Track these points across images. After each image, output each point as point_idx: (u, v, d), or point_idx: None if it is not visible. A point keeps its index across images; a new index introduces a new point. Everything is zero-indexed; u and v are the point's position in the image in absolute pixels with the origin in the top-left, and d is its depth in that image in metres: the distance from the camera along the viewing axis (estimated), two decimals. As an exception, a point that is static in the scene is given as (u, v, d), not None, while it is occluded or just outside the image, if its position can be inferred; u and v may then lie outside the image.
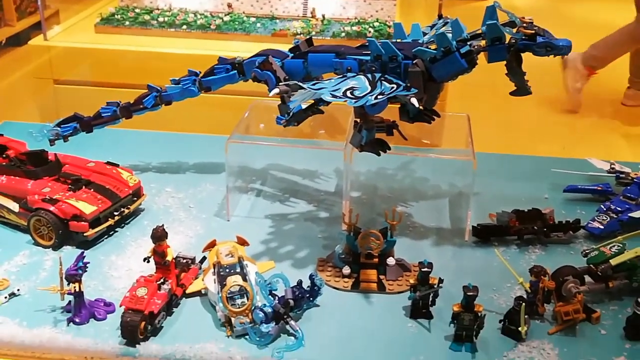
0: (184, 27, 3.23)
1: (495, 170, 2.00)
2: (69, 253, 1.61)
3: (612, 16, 6.99)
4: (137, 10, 3.37)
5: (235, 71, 1.81)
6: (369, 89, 1.50)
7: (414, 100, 1.50)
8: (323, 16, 3.34)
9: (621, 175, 1.92)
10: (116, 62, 3.07)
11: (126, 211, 1.72)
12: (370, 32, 3.20)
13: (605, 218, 1.73)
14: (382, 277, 1.55)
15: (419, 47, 1.56)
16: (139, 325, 1.35)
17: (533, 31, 1.49)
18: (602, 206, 1.78)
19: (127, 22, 3.28)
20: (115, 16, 3.32)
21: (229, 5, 3.41)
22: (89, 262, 1.42)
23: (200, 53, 3.00)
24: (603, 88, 5.05)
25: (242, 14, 3.37)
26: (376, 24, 3.28)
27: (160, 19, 3.28)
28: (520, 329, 1.38)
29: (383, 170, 2.02)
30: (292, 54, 1.74)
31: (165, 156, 2.08)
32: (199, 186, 1.93)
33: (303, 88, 1.52)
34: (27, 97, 3.23)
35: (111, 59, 3.07)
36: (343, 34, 3.16)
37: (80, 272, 1.39)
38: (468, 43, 1.54)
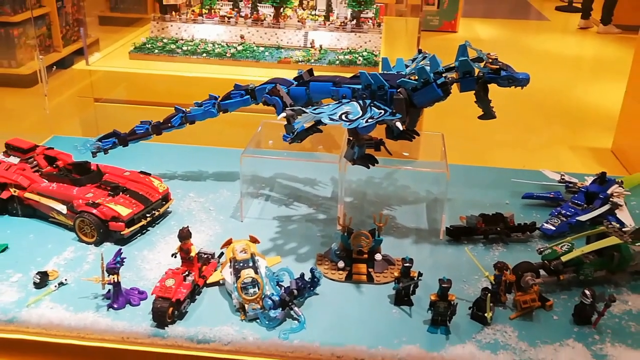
0: (204, 54, 3.26)
1: (465, 180, 2.01)
2: (109, 249, 1.61)
3: (565, 48, 7.08)
4: (164, 40, 3.40)
5: (249, 96, 1.82)
6: (361, 113, 1.52)
7: (398, 124, 1.51)
8: (320, 46, 3.37)
9: (570, 185, 1.93)
10: (147, 84, 3.09)
11: (156, 213, 1.72)
12: (360, 60, 3.22)
13: (556, 221, 1.74)
14: (370, 270, 1.55)
15: (403, 79, 1.57)
16: (167, 311, 1.35)
17: (498, 66, 1.50)
18: (554, 211, 1.79)
19: (156, 50, 3.30)
20: (146, 45, 3.34)
21: (242, 37, 3.43)
22: (125, 257, 1.42)
23: (218, 77, 3.03)
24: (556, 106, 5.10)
25: (253, 44, 3.39)
26: (365, 53, 3.31)
27: (184, 48, 3.30)
28: (486, 314, 1.39)
29: (372, 179, 2.02)
30: (297, 82, 1.74)
31: (189, 166, 2.08)
32: (217, 192, 1.93)
33: (306, 112, 1.53)
34: (72, 114, 3.23)
35: (143, 82, 3.09)
36: (337, 62, 3.19)
37: (118, 265, 1.40)
38: (443, 75, 1.55)
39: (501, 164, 2.70)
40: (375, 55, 3.27)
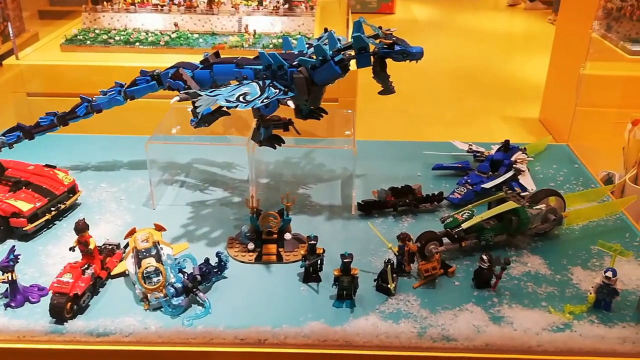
0: (137, 44, 3.12)
1: (379, 155, 1.96)
2: (13, 244, 1.48)
3: (495, 24, 7.12)
4: (97, 31, 3.25)
5: (155, 82, 1.70)
6: (259, 93, 1.43)
7: (290, 102, 1.43)
8: (254, 31, 3.27)
9: (477, 154, 1.90)
10: (79, 76, 2.92)
11: (62, 206, 1.61)
12: (294, 43, 3.12)
13: (463, 190, 1.71)
14: (280, 250, 1.49)
15: (302, 57, 1.48)
16: (65, 306, 1.25)
17: (391, 41, 1.43)
18: (461, 180, 1.76)
19: (88, 42, 3.15)
20: (78, 37, 3.19)
21: (176, 25, 3.30)
22: (20, 254, 1.31)
23: (151, 65, 2.88)
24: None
25: (187, 31, 3.27)
26: (298, 36, 3.20)
27: (117, 38, 3.16)
28: (389, 285, 1.35)
29: (289, 160, 1.95)
30: (202, 65, 1.64)
31: (101, 156, 1.95)
32: (130, 181, 1.82)
33: (202, 96, 1.43)
34: (5, 109, 3.05)
35: (75, 74, 2.91)
36: (271, 45, 3.11)
37: (11, 263, 1.29)
38: (342, 52, 1.47)
39: (431, 138, 2.66)
40: (309, 38, 3.18)
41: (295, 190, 1.77)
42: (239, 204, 1.71)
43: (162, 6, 3.34)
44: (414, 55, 1.44)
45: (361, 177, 1.79)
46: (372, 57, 1.45)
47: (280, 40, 3.16)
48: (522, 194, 1.59)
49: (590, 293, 1.33)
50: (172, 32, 3.24)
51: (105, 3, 3.36)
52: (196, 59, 2.97)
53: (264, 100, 1.39)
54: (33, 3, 5.96)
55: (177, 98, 1.47)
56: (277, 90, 1.43)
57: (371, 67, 1.48)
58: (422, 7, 7.61)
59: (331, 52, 1.47)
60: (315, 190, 1.79)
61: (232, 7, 3.37)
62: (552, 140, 2.09)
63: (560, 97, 4.14)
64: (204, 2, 3.36)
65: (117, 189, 1.77)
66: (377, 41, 1.45)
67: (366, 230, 1.60)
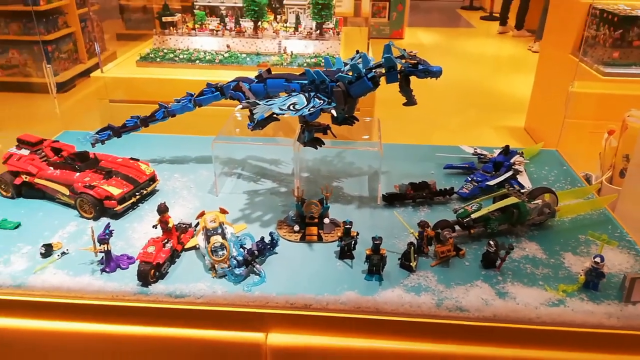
0: (197, 61, 3.13)
1: (399, 156, 1.93)
2: (104, 222, 1.50)
3: (487, 49, 6.97)
4: (165, 51, 3.27)
5: (218, 92, 1.70)
6: (305, 103, 1.41)
7: (333, 111, 1.41)
8: (291, 52, 3.25)
9: (481, 156, 1.85)
10: (151, 87, 2.96)
11: (144, 192, 1.61)
12: (323, 62, 3.11)
13: (470, 186, 1.67)
14: (320, 232, 1.47)
15: (340, 74, 1.46)
16: (149, 272, 1.26)
17: (415, 61, 1.40)
18: (468, 178, 1.72)
19: (158, 59, 3.17)
20: (150, 55, 3.22)
21: (228, 46, 3.31)
22: (113, 229, 1.33)
23: (208, 79, 2.88)
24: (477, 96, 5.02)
25: (237, 51, 3.27)
26: (336, 57, 3.18)
27: (181, 56, 3.18)
28: (411, 264, 1.32)
29: (325, 158, 1.92)
30: (257, 80, 1.63)
31: (175, 152, 1.96)
32: (197, 173, 1.82)
33: (259, 104, 1.42)
34: (92, 113, 3.11)
35: (147, 85, 2.96)
36: (305, 64, 3.09)
37: (107, 237, 1.30)
38: (373, 70, 1.45)
39: (435, 142, 2.61)
40: (336, 59, 3.16)
41: (330, 183, 1.76)
42: (285, 194, 1.70)
43: (217, 31, 3.35)
44: (434, 73, 1.40)
45: (384, 174, 1.76)
46: (399, 74, 1.42)
47: (313, 60, 3.15)
48: (522, 190, 1.54)
49: (581, 275, 1.29)
50: (225, 52, 3.25)
51: (171, 28, 3.38)
52: (245, 74, 2.99)
53: (310, 109, 1.37)
54: (112, 27, 6.03)
55: (241, 106, 1.46)
56: (321, 101, 1.41)
57: (397, 83, 1.45)
58: (427, 34, 7.48)
59: (364, 70, 1.44)
60: (346, 183, 1.77)
61: (273, 32, 3.36)
62: (543, 146, 2.03)
63: (543, 109, 4.04)
64: (250, 28, 3.36)
65: (187, 179, 1.77)
66: (404, 61, 1.42)
67: (390, 218, 1.57)
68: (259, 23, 3.34)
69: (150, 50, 3.28)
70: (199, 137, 2.02)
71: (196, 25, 3.37)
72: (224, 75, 3.02)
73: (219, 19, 3.44)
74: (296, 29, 3.39)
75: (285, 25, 3.49)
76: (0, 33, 4.64)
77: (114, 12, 5.91)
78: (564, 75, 3.63)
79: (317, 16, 3.27)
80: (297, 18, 3.45)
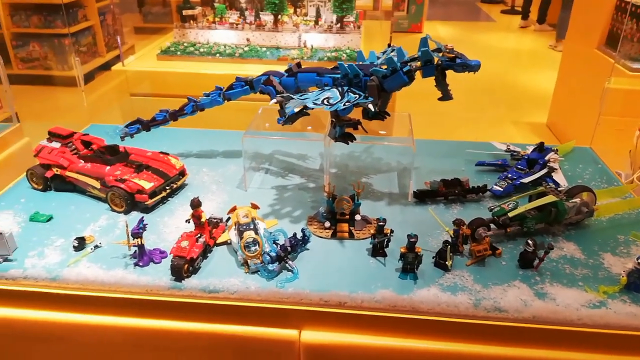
0: (217, 55, 3.13)
1: (428, 152, 1.89)
2: (136, 216, 1.51)
3: (508, 43, 6.85)
4: (185, 44, 3.27)
5: (248, 86, 1.68)
6: (340, 98, 1.39)
7: (370, 106, 1.38)
8: (312, 46, 3.23)
9: (514, 153, 1.81)
10: (171, 80, 2.97)
11: (174, 186, 1.61)
12: (344, 56, 3.08)
13: (503, 183, 1.64)
14: (351, 228, 1.46)
15: (375, 68, 1.43)
16: (183, 267, 1.26)
17: (453, 55, 1.37)
18: (501, 175, 1.68)
19: (178, 52, 3.19)
20: (170, 48, 3.23)
21: (248, 40, 3.29)
22: (147, 224, 1.32)
23: (229, 73, 2.92)
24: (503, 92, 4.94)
25: (257, 45, 3.26)
26: (348, 50, 3.17)
27: (201, 50, 3.18)
28: (447, 262, 1.30)
29: (352, 153, 1.90)
30: (287, 74, 1.61)
31: (201, 146, 1.95)
32: (225, 167, 1.81)
33: (293, 99, 1.40)
34: (113, 106, 3.11)
35: (168, 78, 2.96)
36: (325, 58, 3.07)
37: (141, 231, 1.30)
38: (408, 64, 1.42)
39: (456, 137, 2.58)
40: (356, 52, 3.12)
41: (359, 179, 1.73)
42: (314, 189, 1.68)
43: (237, 25, 3.34)
44: (473, 67, 1.37)
45: (414, 170, 1.73)
46: (436, 68, 1.39)
47: (334, 54, 3.12)
48: (559, 189, 1.50)
49: (623, 276, 1.26)
50: (245, 46, 3.23)
51: (191, 21, 3.38)
52: (264, 68, 2.98)
53: (346, 104, 1.35)
54: (130, 20, 6.05)
55: (275, 100, 1.44)
56: (356, 95, 1.39)
57: (433, 77, 1.42)
58: (446, 27, 7.37)
59: (399, 64, 1.41)
60: (375, 179, 1.75)
61: (293, 25, 3.34)
62: (576, 144, 1.98)
63: (567, 105, 3.96)
64: (270, 21, 3.33)
65: (215, 173, 1.77)
66: (440, 54, 1.39)
67: (421, 215, 1.55)
68: (279, 16, 3.32)
69: (170, 43, 3.27)
70: (226, 131, 2.01)
71: (216, 19, 3.37)
72: (244, 69, 3.01)
73: (238, 12, 3.42)
74: (316, 22, 3.36)
75: (305, 18, 3.46)
76: (21, 26, 4.68)
77: (131, 5, 5.93)
78: (590, 70, 3.55)
79: (339, 9, 3.23)
80: (318, 11, 3.42)
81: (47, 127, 1.73)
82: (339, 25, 3.31)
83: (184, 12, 3.36)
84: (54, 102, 4.37)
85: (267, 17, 3.35)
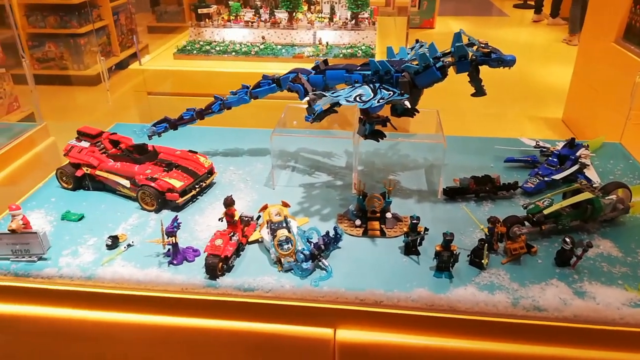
0: (233, 53, 3.12)
1: (455, 148, 1.87)
2: (166, 215, 1.51)
3: (521, 38, 6.78)
4: (201, 43, 3.26)
5: (275, 84, 1.66)
6: (372, 95, 1.37)
7: (407, 103, 1.36)
8: (327, 43, 3.21)
9: (544, 149, 1.78)
10: (189, 79, 2.95)
11: (204, 184, 1.61)
12: (359, 53, 3.06)
13: (535, 180, 1.61)
14: (383, 226, 1.44)
15: (406, 64, 1.41)
16: (218, 265, 1.25)
17: (489, 50, 1.34)
18: (532, 171, 1.65)
19: (195, 51, 3.18)
20: (187, 47, 3.22)
21: (263, 38, 3.27)
22: (181, 222, 1.32)
23: (245, 71, 2.91)
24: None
25: (272, 43, 3.24)
26: (363, 47, 3.14)
27: (217, 48, 3.17)
28: (483, 261, 1.28)
29: (378, 150, 1.88)
30: (315, 71, 1.59)
31: (228, 145, 1.94)
32: (252, 165, 1.80)
33: (325, 96, 1.38)
34: (130, 106, 3.12)
35: (185, 77, 2.95)
36: (341, 55, 3.05)
37: (175, 229, 1.30)
38: (441, 60, 1.39)
39: (471, 133, 2.54)
40: (372, 49, 3.10)
41: (386, 176, 1.72)
42: (342, 187, 1.67)
43: (252, 23, 3.32)
44: (508, 62, 1.34)
45: (443, 167, 1.70)
46: (470, 63, 1.36)
47: (349, 51, 3.10)
48: (593, 185, 1.47)
49: (663, 275, 1.23)
50: (261, 44, 3.22)
51: (207, 20, 3.36)
52: (280, 66, 2.96)
53: (380, 101, 1.33)
54: (144, 20, 6.06)
55: (307, 98, 1.42)
56: (390, 92, 1.36)
57: (467, 72, 1.39)
58: (458, 22, 7.30)
59: (432, 60, 1.39)
60: (403, 177, 1.73)
61: (308, 22, 3.31)
62: (606, 139, 1.94)
63: (584, 100, 3.89)
64: (285, 19, 3.32)
65: (243, 171, 1.76)
66: (475, 48, 1.36)
67: (452, 212, 1.53)
68: (294, 14, 3.30)
69: (187, 42, 3.27)
70: (251, 129, 2.00)
71: (231, 17, 3.35)
72: (261, 68, 3.00)
73: (253, 10, 3.41)
74: (331, 19, 3.34)
75: (319, 15, 3.44)
76: (37, 26, 4.71)
77: (144, 4, 5.94)
78: (608, 64, 3.49)
79: (354, 5, 3.20)
80: (332, 8, 3.39)
81: (69, 127, 1.73)
82: (353, 21, 3.28)
83: (200, 11, 3.35)
84: (72, 101, 4.39)
85: (281, 15, 3.34)
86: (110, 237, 1.38)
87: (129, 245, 1.37)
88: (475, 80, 1.39)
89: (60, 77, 4.78)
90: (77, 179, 1.62)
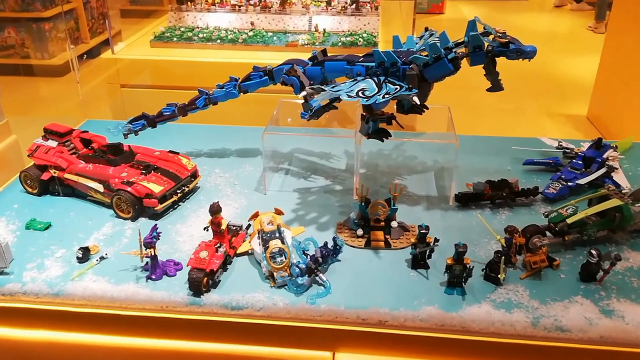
0: (218, 41, 3.14)
1: (467, 149, 1.87)
2: (144, 223, 1.52)
3: (542, 25, 6.85)
4: (182, 29, 3.28)
5: (267, 77, 1.68)
6: (377, 89, 1.39)
7: (415, 99, 1.38)
8: (324, 30, 3.24)
9: (567, 151, 1.80)
10: (168, 70, 2.97)
11: (186, 189, 1.62)
12: (360, 41, 3.08)
13: (557, 185, 1.63)
14: (387, 236, 1.45)
15: (415, 55, 1.43)
16: (203, 281, 1.26)
17: (507, 39, 1.36)
18: (554, 175, 1.68)
19: (174, 38, 3.19)
20: (166, 34, 3.23)
21: (252, 23, 3.30)
22: (161, 232, 1.33)
23: (231, 61, 2.93)
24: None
25: (262, 29, 3.27)
26: (365, 35, 3.17)
27: (200, 35, 3.18)
28: (499, 276, 1.30)
29: (382, 151, 1.90)
30: (312, 62, 1.61)
31: (213, 144, 1.96)
32: (241, 168, 1.82)
33: (324, 90, 1.40)
34: (101, 100, 3.12)
35: (164, 67, 2.96)
36: (339, 43, 3.07)
37: (154, 240, 1.30)
38: (453, 50, 1.41)
39: (486, 132, 2.55)
40: (375, 37, 3.13)
41: (391, 180, 1.73)
42: (341, 192, 1.68)
43: (240, 6, 3.34)
44: (528, 54, 1.37)
45: (455, 169, 1.73)
46: (486, 55, 1.38)
47: (348, 39, 3.12)
48: (622, 191, 1.50)
49: (700, 291, 1.25)
50: (249, 31, 3.23)
51: (189, 3, 3.38)
52: (271, 55, 2.98)
53: (385, 96, 1.35)
54: (116, 2, 6.06)
55: (304, 93, 1.43)
56: (397, 87, 1.38)
57: (482, 65, 1.41)
58: (471, 7, 7.37)
59: (444, 51, 1.41)
60: (410, 181, 1.75)
61: (303, 7, 3.34)
62: (635, 139, 1.97)
63: (612, 95, 3.94)
64: (277, 2, 3.34)
65: (230, 174, 1.77)
66: (491, 38, 1.39)
67: (465, 221, 1.55)
68: (287, -3, 3.33)
69: (165, 28, 3.28)
70: (240, 127, 2.01)
71: (216, 0, 3.37)
72: (249, 57, 3.01)
73: (242, -8, 3.43)
74: (329, 3, 3.37)
75: (316, -1, 3.46)
76: (-4, 10, 4.70)
77: (117, -16, 5.94)
78: (638, 55, 3.53)
79: (355, -12, 3.23)
80: (330, -9, 3.42)
81: (33, 123, 1.74)
82: (354, 6, 3.31)
83: (181, -8, 3.37)
84: (36, 94, 4.38)
85: (273, -2, 3.36)
86: (80, 248, 1.38)
87: (102, 258, 1.38)
88: (492, 74, 1.41)
89: (22, 67, 4.77)
90: (44, 182, 1.63)
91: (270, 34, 3.22)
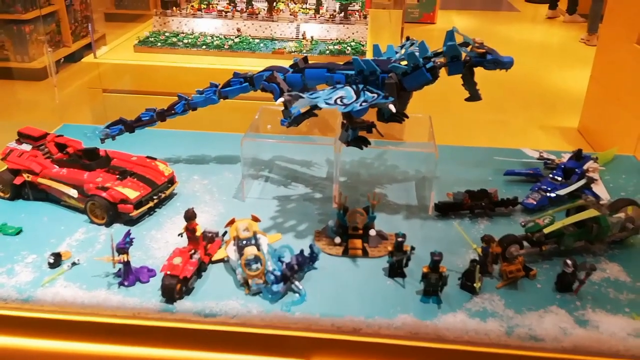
0: (204, 47, 3.18)
1: (449, 159, 1.94)
2: (118, 229, 1.54)
3: (534, 36, 7.00)
4: (167, 34, 3.31)
5: (247, 83, 1.73)
6: (355, 97, 1.44)
7: (391, 107, 1.43)
8: (312, 38, 3.29)
9: (548, 162, 1.86)
10: (151, 75, 3.00)
11: (163, 195, 1.65)
12: (348, 49, 3.15)
13: (537, 195, 1.68)
14: (365, 245, 1.49)
15: (393, 64, 1.49)
16: (176, 287, 1.29)
17: (484, 50, 1.43)
18: (534, 186, 1.73)
19: (159, 44, 3.22)
20: (150, 39, 3.26)
21: (238, 30, 3.34)
22: (134, 238, 1.36)
23: (217, 67, 2.96)
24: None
25: (249, 36, 3.32)
26: (353, 43, 3.23)
27: (185, 41, 3.22)
28: (475, 285, 1.34)
29: (364, 160, 1.95)
30: (292, 70, 1.66)
31: (192, 151, 1.99)
32: (219, 174, 1.85)
33: (303, 97, 1.45)
34: (82, 104, 3.14)
35: (147, 73, 3.00)
36: (327, 52, 3.12)
37: (127, 245, 1.33)
38: (432, 60, 1.47)
39: (475, 143, 2.63)
40: (363, 45, 3.19)
41: (372, 189, 1.78)
42: (321, 200, 1.72)
43: (226, 12, 3.39)
44: (505, 64, 1.43)
45: (434, 179, 1.78)
46: (464, 65, 1.44)
47: (337, 47, 3.19)
48: (601, 202, 1.56)
49: (673, 301, 1.30)
50: (235, 37, 3.28)
51: (174, 8, 3.43)
52: (257, 62, 3.03)
53: (362, 104, 1.40)
54: (100, 5, 6.12)
55: (282, 99, 1.48)
56: (375, 95, 1.44)
57: (460, 75, 1.47)
58: (462, 18, 7.53)
59: (422, 60, 1.47)
60: (390, 190, 1.79)
61: (291, 14, 3.40)
62: (618, 152, 2.04)
63: (602, 108, 4.04)
64: (264, 9, 3.39)
65: (208, 181, 1.80)
66: (469, 49, 1.45)
67: (444, 230, 1.59)
68: (275, 3, 3.38)
69: (150, 33, 3.32)
70: (220, 133, 2.05)
71: (202, 5, 3.42)
72: (235, 64, 3.06)
73: (228, -3, 3.49)
74: (317, 11, 3.43)
75: (304, 6, 3.53)
76: (-25, 11, 4.72)
77: (101, -12, 6.01)
78: (629, 68, 3.64)
79: (343, -5, 3.30)
80: (318, -2, 3.49)
81: (8, 127, 1.77)
82: (342, 14, 3.37)
83: (167, -4, 3.42)
84: (13, 97, 4.39)
85: (260, 5, 3.41)
86: (52, 254, 1.40)
87: (73, 264, 1.40)
88: (469, 84, 1.47)
89: (0, 70, 4.79)
90: (16, 187, 1.65)
91: (257, 40, 3.26)
